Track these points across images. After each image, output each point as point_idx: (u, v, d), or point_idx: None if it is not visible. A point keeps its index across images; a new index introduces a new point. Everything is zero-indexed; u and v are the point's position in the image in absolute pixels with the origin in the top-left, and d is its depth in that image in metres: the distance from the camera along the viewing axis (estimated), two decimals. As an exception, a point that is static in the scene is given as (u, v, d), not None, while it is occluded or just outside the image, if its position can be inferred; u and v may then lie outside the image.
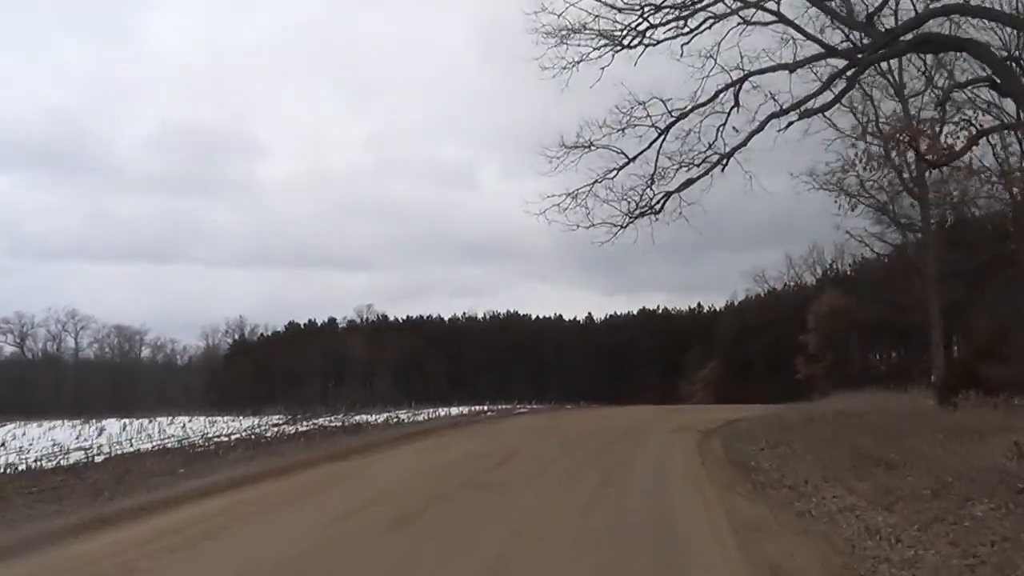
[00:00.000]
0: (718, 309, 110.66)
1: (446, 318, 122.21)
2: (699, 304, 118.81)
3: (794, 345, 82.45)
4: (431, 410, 48.68)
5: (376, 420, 38.40)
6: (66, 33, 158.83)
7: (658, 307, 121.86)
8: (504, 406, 53.08)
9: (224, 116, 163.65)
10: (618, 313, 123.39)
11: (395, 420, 38.72)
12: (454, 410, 48.86)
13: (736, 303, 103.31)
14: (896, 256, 78.87)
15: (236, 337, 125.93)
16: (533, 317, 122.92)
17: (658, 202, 20.75)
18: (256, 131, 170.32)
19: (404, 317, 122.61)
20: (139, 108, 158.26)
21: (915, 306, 66.26)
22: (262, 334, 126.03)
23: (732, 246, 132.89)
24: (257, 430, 36.01)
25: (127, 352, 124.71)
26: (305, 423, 39.39)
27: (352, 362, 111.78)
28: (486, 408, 50.38)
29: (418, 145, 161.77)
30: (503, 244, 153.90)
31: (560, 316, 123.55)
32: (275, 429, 36.40)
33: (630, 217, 20.69)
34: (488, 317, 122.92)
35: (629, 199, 20.60)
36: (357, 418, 40.87)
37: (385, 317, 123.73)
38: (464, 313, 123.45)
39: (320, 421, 39.88)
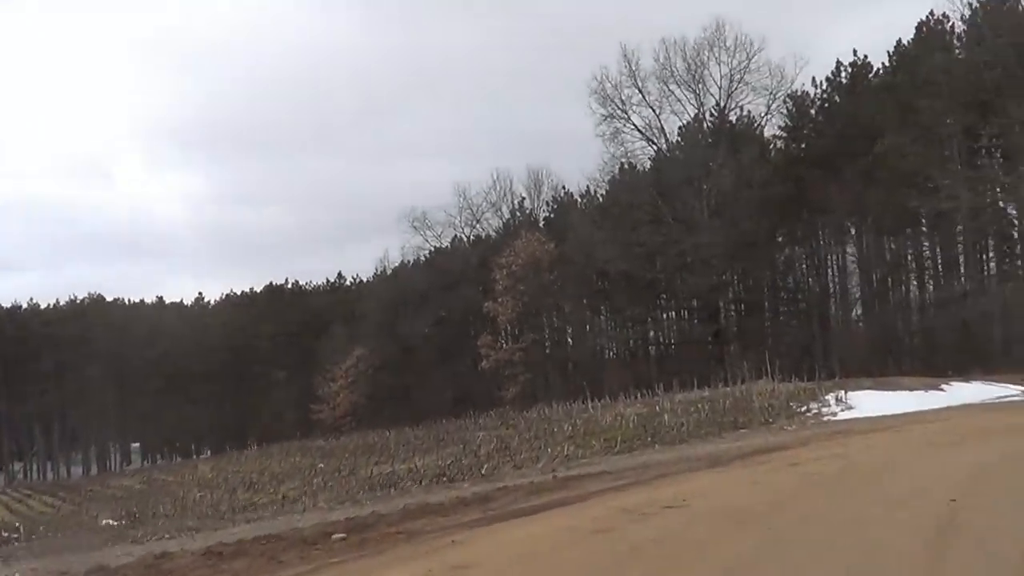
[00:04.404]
0: (366, 280, 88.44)
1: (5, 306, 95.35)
2: (340, 275, 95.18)
3: (477, 318, 61.33)
4: None
5: None
6: None
7: (287, 280, 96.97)
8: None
9: None
10: (235, 292, 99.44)
11: None
12: None
13: (389, 268, 79.10)
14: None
15: None
16: (127, 301, 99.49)
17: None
18: None
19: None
20: None
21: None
22: None
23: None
24: None
25: None
26: None
27: None
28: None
29: (53, 142, 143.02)
30: (153, 240, 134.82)
31: (161, 299, 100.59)
32: None
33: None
34: (58, 305, 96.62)
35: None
36: None
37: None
38: (32, 300, 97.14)
39: None
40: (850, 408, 24.82)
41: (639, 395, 36.56)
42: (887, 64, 49.41)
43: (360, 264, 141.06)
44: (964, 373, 33.89)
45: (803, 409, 25.23)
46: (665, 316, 57.92)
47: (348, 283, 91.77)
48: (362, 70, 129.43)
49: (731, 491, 11.84)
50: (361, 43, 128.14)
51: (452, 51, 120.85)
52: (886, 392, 27.30)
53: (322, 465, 35.05)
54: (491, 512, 11.92)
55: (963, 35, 45.00)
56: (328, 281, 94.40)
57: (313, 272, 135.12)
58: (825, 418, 23.77)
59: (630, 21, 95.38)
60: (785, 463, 14.22)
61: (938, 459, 13.71)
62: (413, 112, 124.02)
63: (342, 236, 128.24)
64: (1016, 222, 43.98)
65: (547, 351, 59.14)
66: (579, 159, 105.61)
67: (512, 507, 12.26)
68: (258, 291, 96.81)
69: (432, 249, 71.52)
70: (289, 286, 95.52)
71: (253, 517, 15.53)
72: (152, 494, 41.25)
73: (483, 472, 19.72)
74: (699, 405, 28.05)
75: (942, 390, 28.13)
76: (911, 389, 27.99)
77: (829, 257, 52.44)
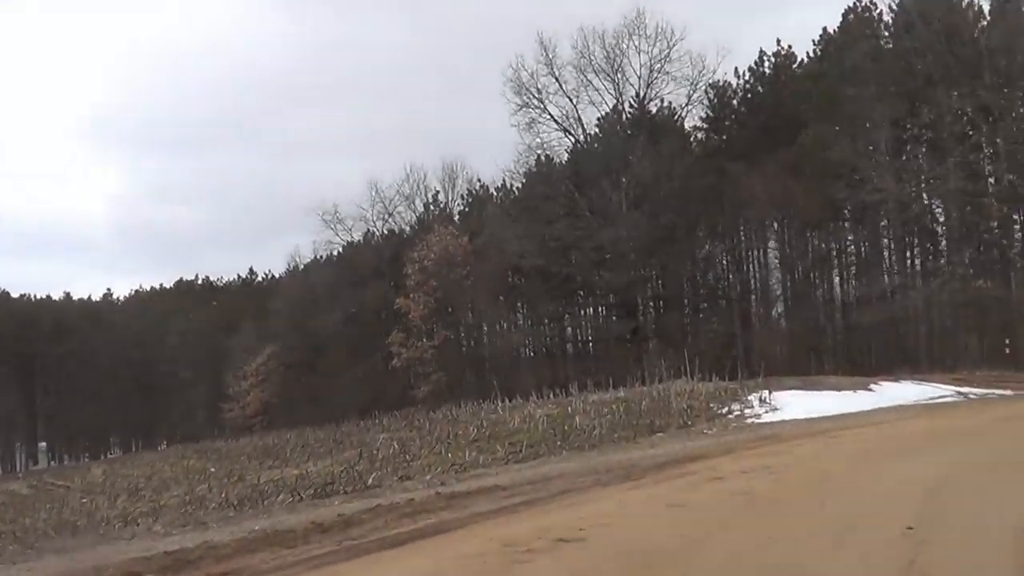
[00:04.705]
0: (278, 276, 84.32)
1: None
2: (251, 270, 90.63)
3: (390, 315, 56.98)
4: None
5: None
6: None
7: (197, 276, 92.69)
8: None
9: None
10: (144, 288, 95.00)
11: None
12: None
13: (300, 263, 75.14)
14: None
15: None
16: (33, 298, 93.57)
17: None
18: None
19: None
20: None
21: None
22: None
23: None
24: None
25: None
26: None
27: None
28: None
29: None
30: (62, 237, 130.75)
31: (68, 295, 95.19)
32: None
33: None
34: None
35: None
36: None
37: None
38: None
39: None
40: (775, 409, 22.78)
41: (553, 395, 34.31)
42: (812, 54, 47.64)
43: (273, 260, 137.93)
44: (890, 372, 32.62)
45: (724, 411, 23.14)
46: (582, 313, 55.32)
47: (260, 279, 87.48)
48: (274, 67, 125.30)
49: (641, 517, 9.65)
50: (273, 40, 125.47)
51: (366, 45, 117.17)
52: (813, 392, 25.42)
53: (213, 469, 32.37)
54: (348, 543, 9.53)
55: (891, 23, 43.47)
56: (240, 277, 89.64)
57: (227, 269, 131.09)
58: (748, 420, 21.68)
59: (548, 12, 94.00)
60: (706, 477, 12.10)
61: (883, 473, 11.74)
62: (327, 107, 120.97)
63: (256, 232, 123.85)
64: (942, 217, 42.97)
65: (462, 349, 56.62)
66: (495, 154, 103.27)
67: (376, 536, 9.87)
68: (168, 287, 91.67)
69: (344, 244, 67.27)
70: (200, 282, 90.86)
71: (72, 546, 12.89)
72: (36, 500, 38.26)
73: (368, 483, 17.36)
74: (614, 406, 25.69)
75: (871, 390, 26.47)
76: (839, 389, 26.27)
77: (751, 252, 50.41)
